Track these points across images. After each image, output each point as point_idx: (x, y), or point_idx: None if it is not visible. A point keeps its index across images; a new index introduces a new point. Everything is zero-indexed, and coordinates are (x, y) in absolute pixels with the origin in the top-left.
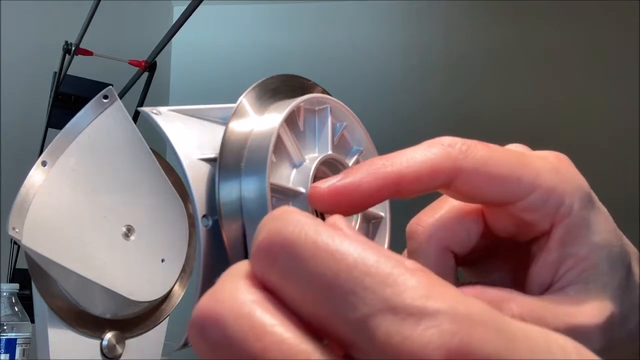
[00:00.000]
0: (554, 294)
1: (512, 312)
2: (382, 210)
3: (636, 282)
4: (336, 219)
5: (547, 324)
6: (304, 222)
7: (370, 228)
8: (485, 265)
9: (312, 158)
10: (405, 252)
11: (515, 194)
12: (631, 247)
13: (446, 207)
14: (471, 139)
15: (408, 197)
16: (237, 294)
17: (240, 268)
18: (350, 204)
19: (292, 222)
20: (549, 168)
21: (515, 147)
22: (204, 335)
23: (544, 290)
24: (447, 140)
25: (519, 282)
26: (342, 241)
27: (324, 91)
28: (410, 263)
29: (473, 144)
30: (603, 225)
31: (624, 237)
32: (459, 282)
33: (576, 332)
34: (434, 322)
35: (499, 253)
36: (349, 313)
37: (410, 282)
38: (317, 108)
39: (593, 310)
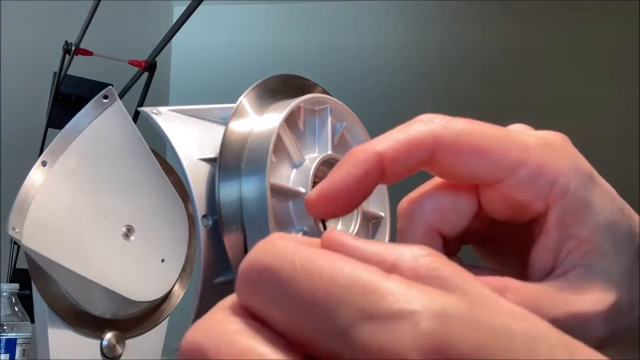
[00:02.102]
0: (554, 280)
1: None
2: (382, 210)
3: None
4: (332, 232)
5: (545, 314)
6: (285, 247)
7: (370, 228)
8: (494, 247)
9: (312, 158)
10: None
11: (501, 170)
12: None
13: (437, 187)
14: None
15: (395, 181)
16: (217, 325)
17: (228, 300)
18: (342, 203)
19: (273, 247)
20: (540, 143)
21: (517, 127)
22: None
23: (546, 275)
24: (426, 115)
25: (526, 264)
26: (319, 260)
27: (324, 91)
28: (422, 251)
29: (453, 118)
30: (606, 205)
31: (634, 215)
32: None
33: (576, 320)
34: (408, 324)
35: (503, 235)
36: (331, 327)
37: (387, 288)
38: (317, 108)
39: (595, 297)
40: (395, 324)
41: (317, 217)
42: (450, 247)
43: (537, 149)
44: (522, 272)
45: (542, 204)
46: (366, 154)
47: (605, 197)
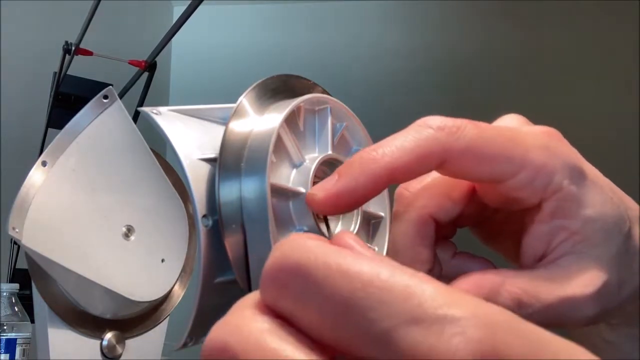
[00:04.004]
0: (546, 267)
1: (508, 295)
2: (382, 210)
3: (636, 246)
4: (344, 235)
5: (540, 300)
6: (312, 245)
7: (370, 228)
8: (488, 229)
9: (312, 158)
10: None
11: (504, 173)
12: (634, 211)
13: (435, 174)
14: (461, 119)
15: (403, 182)
16: (245, 323)
17: (250, 298)
18: (347, 205)
19: (300, 246)
20: (538, 145)
21: (511, 119)
22: None
23: (537, 260)
24: (435, 122)
25: (519, 247)
26: (353, 260)
27: (324, 91)
28: (422, 275)
29: (462, 125)
30: (596, 198)
31: (626, 199)
32: (435, 252)
33: (568, 304)
34: (458, 329)
35: (497, 219)
36: (370, 329)
37: (428, 292)
38: (317, 108)
39: (585, 281)
40: (445, 329)
41: (320, 213)
42: (445, 231)
43: (535, 151)
44: (517, 252)
45: (537, 199)
46: (377, 165)
47: (595, 190)
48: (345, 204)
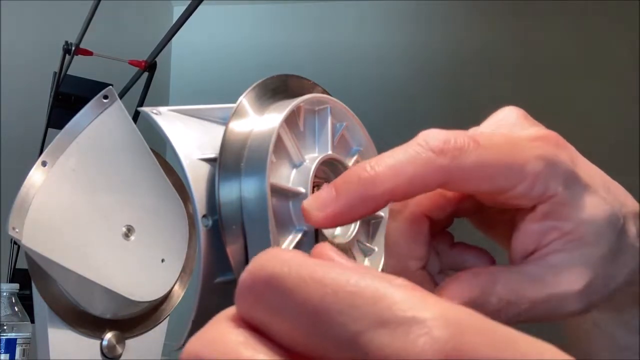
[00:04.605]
0: (535, 263)
1: (499, 295)
2: (382, 210)
3: (630, 242)
4: (323, 247)
5: (529, 299)
6: (286, 257)
7: (370, 228)
8: (484, 221)
9: (312, 158)
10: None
11: (503, 187)
12: (628, 206)
13: None
14: (462, 133)
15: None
16: (220, 336)
17: (226, 312)
18: (344, 222)
19: (274, 258)
20: (535, 155)
21: (510, 113)
22: None
23: (527, 255)
24: (437, 143)
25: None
26: (325, 267)
27: (324, 91)
28: (400, 281)
29: (464, 146)
30: (590, 201)
31: (621, 196)
32: (431, 248)
33: (555, 300)
34: (424, 330)
35: (491, 212)
36: (340, 334)
37: (397, 296)
38: (317, 108)
39: (572, 278)
40: (411, 330)
41: (316, 227)
42: (442, 222)
43: (533, 163)
44: (509, 243)
45: (532, 204)
46: (376, 190)
47: (589, 193)
48: (342, 222)
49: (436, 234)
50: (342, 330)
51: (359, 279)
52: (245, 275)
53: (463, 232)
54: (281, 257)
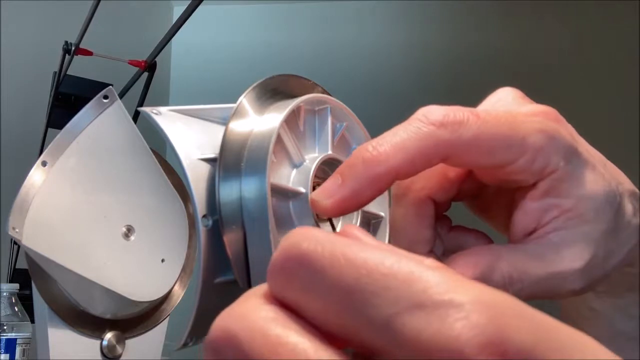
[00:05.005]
0: (537, 241)
1: (502, 272)
2: (382, 210)
3: (627, 220)
4: (350, 228)
5: (531, 276)
6: (319, 236)
7: (370, 228)
8: (481, 203)
9: (312, 158)
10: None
11: (505, 160)
12: (624, 185)
13: None
14: (461, 108)
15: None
16: (250, 312)
17: (258, 289)
18: (353, 208)
19: (307, 236)
20: (535, 128)
21: (507, 93)
22: (218, 353)
23: (528, 234)
24: (436, 117)
25: (510, 220)
26: (359, 248)
27: (324, 91)
28: (430, 262)
29: (464, 119)
30: (589, 176)
31: (617, 174)
32: (436, 232)
33: (557, 278)
34: (462, 314)
35: (490, 193)
36: (374, 315)
37: (432, 278)
38: (317, 108)
39: (573, 255)
40: (448, 314)
41: (324, 216)
42: (441, 207)
43: (533, 136)
44: (507, 226)
45: (533, 180)
46: (381, 168)
47: (588, 169)
48: (351, 207)
49: (436, 218)
50: (375, 312)
51: (395, 260)
52: (277, 254)
53: (454, 218)
54: (314, 235)
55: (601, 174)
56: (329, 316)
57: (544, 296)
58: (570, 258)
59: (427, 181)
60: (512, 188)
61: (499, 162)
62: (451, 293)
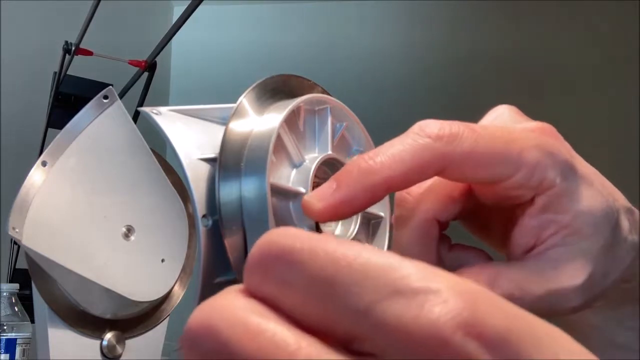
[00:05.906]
0: (535, 258)
1: (502, 289)
2: (382, 210)
3: (623, 236)
4: (326, 235)
5: (530, 293)
6: (297, 233)
7: (370, 228)
8: (479, 222)
9: (312, 158)
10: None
11: (501, 175)
12: (620, 201)
13: (435, 178)
14: (457, 122)
15: (401, 190)
16: (229, 303)
17: (234, 286)
18: (345, 214)
19: (285, 234)
20: (532, 144)
21: (503, 111)
22: (197, 344)
23: (527, 251)
24: (432, 129)
25: (508, 238)
26: (337, 242)
27: (324, 91)
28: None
29: (459, 132)
30: (586, 192)
31: (614, 192)
32: (439, 251)
33: (556, 296)
34: (440, 299)
35: (487, 212)
36: (355, 304)
37: (410, 268)
38: (317, 108)
39: (572, 273)
40: (427, 299)
41: (316, 221)
42: (442, 226)
43: (529, 152)
44: (504, 243)
45: (530, 196)
46: (375, 177)
47: (585, 185)
48: (342, 214)
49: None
50: (356, 300)
51: (372, 253)
52: (254, 250)
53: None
54: (293, 233)
55: (598, 190)
56: (308, 308)
57: (543, 314)
58: (569, 274)
59: (433, 202)
60: (510, 206)
61: (495, 176)
62: (429, 280)
